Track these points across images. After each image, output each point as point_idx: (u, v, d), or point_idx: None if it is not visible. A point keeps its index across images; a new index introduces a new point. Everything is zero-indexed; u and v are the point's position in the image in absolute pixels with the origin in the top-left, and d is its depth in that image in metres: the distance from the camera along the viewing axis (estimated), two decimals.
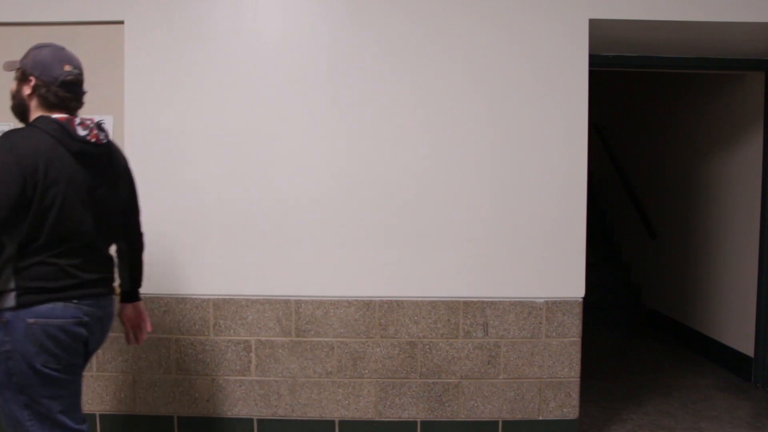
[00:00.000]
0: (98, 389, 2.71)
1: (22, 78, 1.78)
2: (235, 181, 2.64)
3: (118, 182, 1.94)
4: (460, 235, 2.64)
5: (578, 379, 2.69)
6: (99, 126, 1.83)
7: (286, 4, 2.62)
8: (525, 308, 2.66)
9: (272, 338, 2.67)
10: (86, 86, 2.65)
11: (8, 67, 1.83)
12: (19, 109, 1.81)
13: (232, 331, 2.68)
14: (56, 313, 1.72)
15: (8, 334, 1.68)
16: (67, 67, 1.79)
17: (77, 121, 1.77)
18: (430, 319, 2.66)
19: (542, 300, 2.66)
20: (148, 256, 2.65)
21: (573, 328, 2.67)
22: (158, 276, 2.66)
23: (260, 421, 2.70)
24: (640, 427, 2.99)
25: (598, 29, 2.63)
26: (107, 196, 1.86)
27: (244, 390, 2.69)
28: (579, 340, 2.68)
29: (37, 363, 1.69)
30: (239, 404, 2.70)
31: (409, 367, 2.67)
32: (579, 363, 2.69)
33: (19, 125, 1.81)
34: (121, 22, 2.64)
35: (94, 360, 2.69)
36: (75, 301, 1.76)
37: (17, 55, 2.66)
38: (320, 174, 2.64)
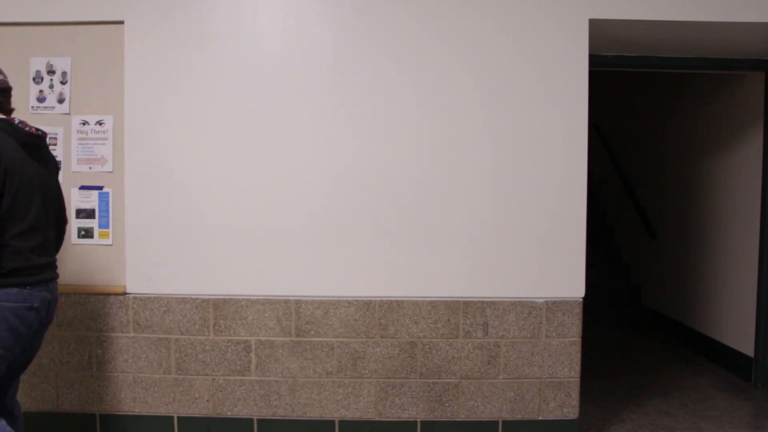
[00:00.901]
0: (98, 389, 2.71)
1: None
2: (235, 181, 2.64)
3: (55, 173, 2.17)
4: (461, 235, 2.64)
5: (578, 379, 2.69)
6: (33, 127, 2.06)
7: (287, 4, 2.62)
8: (525, 308, 2.66)
9: (272, 338, 2.67)
10: (86, 86, 2.68)
11: None
12: None
13: (232, 331, 2.68)
14: (11, 297, 1.89)
15: None
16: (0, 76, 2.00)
17: (16, 120, 2.00)
18: (430, 319, 2.66)
19: (542, 300, 2.66)
20: (149, 257, 2.67)
21: (573, 328, 2.67)
22: (159, 276, 2.66)
23: (260, 421, 2.70)
24: (640, 427, 2.99)
25: (598, 29, 2.63)
26: (49, 183, 2.09)
27: (244, 390, 2.69)
28: (579, 340, 2.68)
29: None
30: (239, 404, 2.70)
31: (409, 367, 2.67)
32: (579, 363, 2.69)
33: None
34: (121, 22, 2.64)
35: (94, 360, 2.70)
36: (29, 287, 1.93)
37: (17, 54, 2.68)
38: (321, 174, 2.64)
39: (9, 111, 2.03)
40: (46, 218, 2.05)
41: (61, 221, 2.23)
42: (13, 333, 1.90)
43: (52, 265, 2.08)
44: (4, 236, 1.87)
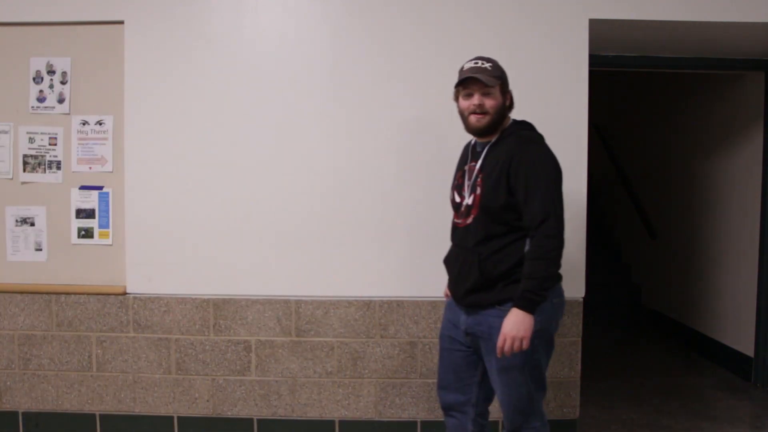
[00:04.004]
0: (98, 389, 2.71)
1: (505, 91, 1.99)
2: (236, 181, 2.64)
3: None
4: None
5: (578, 379, 2.69)
6: None
7: (287, 4, 2.62)
8: None
9: (272, 338, 2.67)
10: (86, 86, 2.68)
11: (493, 82, 1.93)
12: (501, 119, 1.97)
13: (232, 331, 2.68)
14: (562, 290, 1.98)
15: (540, 314, 1.83)
16: None
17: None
18: (430, 319, 2.66)
19: None
20: (149, 257, 2.67)
21: (573, 328, 2.67)
22: (159, 276, 2.66)
23: (260, 421, 2.70)
24: (640, 427, 2.99)
25: (598, 29, 2.63)
26: None
27: (244, 390, 2.69)
28: (579, 340, 2.68)
29: (552, 338, 1.94)
30: (239, 404, 2.69)
31: (409, 367, 2.67)
32: (579, 363, 2.69)
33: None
34: (121, 22, 2.63)
35: (94, 360, 2.70)
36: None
37: (17, 54, 2.67)
38: (321, 173, 2.64)
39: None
40: None
41: None
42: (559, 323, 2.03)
43: None
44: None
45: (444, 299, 2.65)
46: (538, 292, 1.80)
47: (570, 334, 2.66)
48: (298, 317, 2.67)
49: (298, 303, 2.66)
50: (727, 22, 2.60)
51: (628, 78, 5.14)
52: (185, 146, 2.64)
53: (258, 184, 2.64)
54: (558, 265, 1.86)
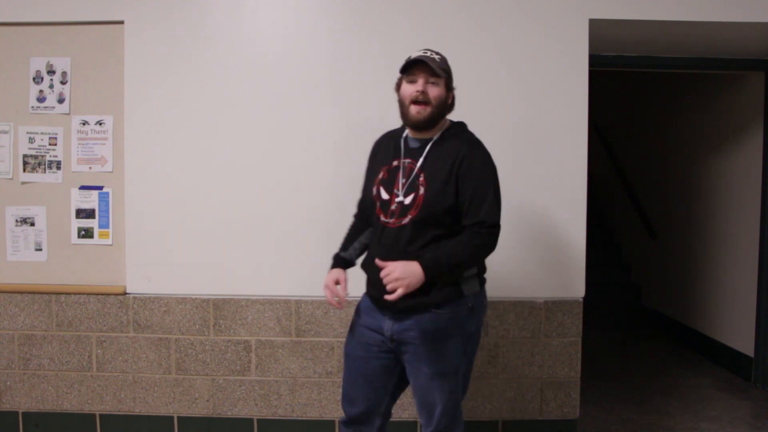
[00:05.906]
0: (98, 389, 2.71)
1: (449, 87, 1.88)
2: (235, 181, 2.64)
3: None
4: None
5: (578, 379, 2.69)
6: None
7: (287, 5, 2.62)
8: (525, 308, 2.65)
9: (272, 338, 2.67)
10: (86, 86, 2.68)
11: (440, 72, 1.83)
12: (441, 115, 1.87)
13: (232, 331, 2.68)
14: (486, 293, 1.95)
15: (473, 317, 1.86)
16: None
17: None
18: None
19: (542, 300, 2.66)
20: (149, 257, 2.67)
21: (573, 328, 2.67)
22: (159, 276, 2.66)
23: (260, 421, 2.70)
24: (640, 427, 2.99)
25: (598, 29, 2.63)
26: None
27: (244, 390, 2.69)
28: (579, 340, 2.68)
29: (478, 342, 1.93)
30: (239, 404, 2.69)
31: None
32: (579, 363, 2.69)
33: None
34: (121, 22, 2.63)
35: (94, 360, 2.70)
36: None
37: (17, 54, 2.68)
38: (321, 173, 2.64)
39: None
40: None
41: None
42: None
43: None
44: None
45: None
46: (446, 268, 1.76)
47: (570, 334, 2.66)
48: (298, 317, 2.67)
49: (298, 303, 2.66)
50: (727, 22, 2.61)
51: (628, 78, 5.13)
52: (185, 146, 2.64)
53: (258, 183, 2.64)
54: (476, 265, 1.87)
